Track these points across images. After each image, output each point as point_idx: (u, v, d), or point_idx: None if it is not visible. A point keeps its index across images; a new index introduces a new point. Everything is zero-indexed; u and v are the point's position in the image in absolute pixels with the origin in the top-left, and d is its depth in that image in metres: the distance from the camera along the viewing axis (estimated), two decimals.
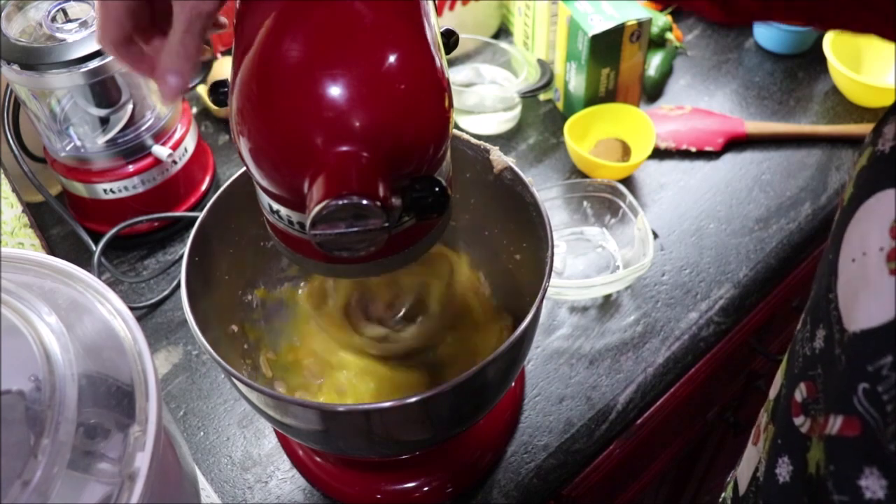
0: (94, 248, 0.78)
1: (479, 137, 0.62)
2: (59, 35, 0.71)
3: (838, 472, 0.35)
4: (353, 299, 0.64)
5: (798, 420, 0.41)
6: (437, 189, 0.39)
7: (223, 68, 0.91)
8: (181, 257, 0.56)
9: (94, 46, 0.70)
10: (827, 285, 0.40)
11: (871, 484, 0.34)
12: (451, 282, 0.66)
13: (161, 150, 0.79)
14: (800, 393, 0.41)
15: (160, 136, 0.80)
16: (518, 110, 0.95)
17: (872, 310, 0.35)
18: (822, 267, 0.42)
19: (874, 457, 0.34)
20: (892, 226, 0.35)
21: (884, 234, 0.35)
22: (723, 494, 0.54)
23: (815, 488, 0.38)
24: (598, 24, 0.85)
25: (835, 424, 0.36)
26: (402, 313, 0.64)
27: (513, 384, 0.70)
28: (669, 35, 0.99)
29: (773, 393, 0.46)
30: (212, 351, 0.49)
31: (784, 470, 0.42)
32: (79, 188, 0.80)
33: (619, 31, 0.85)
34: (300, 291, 0.67)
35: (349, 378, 0.63)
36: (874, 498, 0.33)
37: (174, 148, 0.80)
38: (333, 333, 0.64)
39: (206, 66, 0.87)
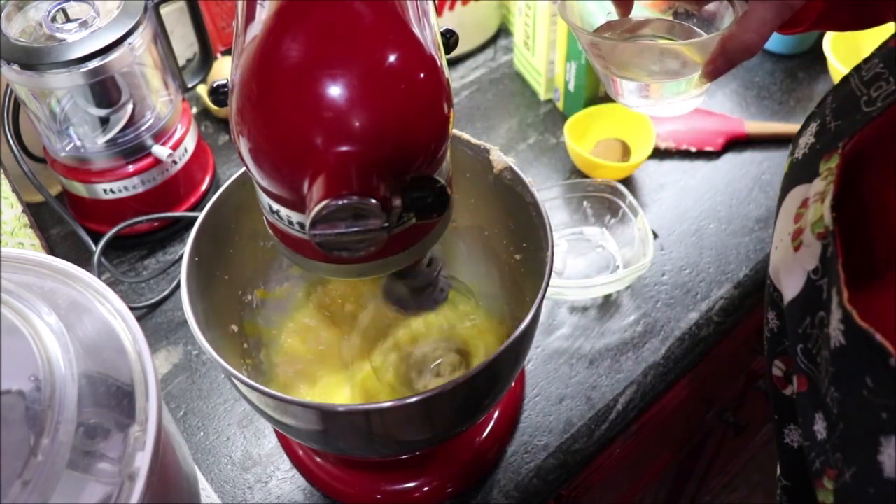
0: (94, 248, 0.78)
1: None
2: (59, 35, 0.71)
3: (804, 422, 0.41)
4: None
5: (788, 391, 0.48)
6: (437, 189, 0.39)
7: (223, 68, 0.91)
8: (181, 257, 0.56)
9: (94, 46, 0.70)
10: (768, 274, 0.47)
11: (819, 427, 0.40)
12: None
13: (161, 150, 0.79)
14: (778, 369, 0.48)
15: (160, 136, 0.80)
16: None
17: (790, 283, 0.43)
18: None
19: (818, 404, 0.40)
20: (796, 213, 0.43)
21: (791, 220, 0.43)
22: None
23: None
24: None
25: (795, 383, 0.43)
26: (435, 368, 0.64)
27: (513, 384, 0.70)
28: None
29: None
30: (212, 351, 0.49)
31: (794, 436, 0.48)
32: (79, 188, 0.80)
33: None
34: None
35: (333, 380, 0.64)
36: (822, 439, 0.39)
37: (174, 148, 0.80)
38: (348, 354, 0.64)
39: (206, 66, 0.87)
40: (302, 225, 0.42)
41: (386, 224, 0.36)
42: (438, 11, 0.99)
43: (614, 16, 0.57)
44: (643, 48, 0.56)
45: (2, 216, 0.73)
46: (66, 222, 0.82)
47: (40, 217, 0.85)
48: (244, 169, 0.53)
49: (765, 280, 0.80)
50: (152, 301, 0.79)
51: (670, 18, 0.59)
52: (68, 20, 0.73)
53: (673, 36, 0.58)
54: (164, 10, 0.83)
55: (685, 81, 0.54)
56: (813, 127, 0.47)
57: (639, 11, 0.79)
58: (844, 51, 0.95)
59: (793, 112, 0.96)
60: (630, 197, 0.80)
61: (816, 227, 0.41)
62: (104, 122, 0.77)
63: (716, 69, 0.51)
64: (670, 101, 0.57)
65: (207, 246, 0.56)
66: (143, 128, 0.79)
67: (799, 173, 0.45)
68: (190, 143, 0.83)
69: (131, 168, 0.79)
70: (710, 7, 0.54)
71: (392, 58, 0.38)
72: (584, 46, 0.57)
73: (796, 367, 0.42)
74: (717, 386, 1.02)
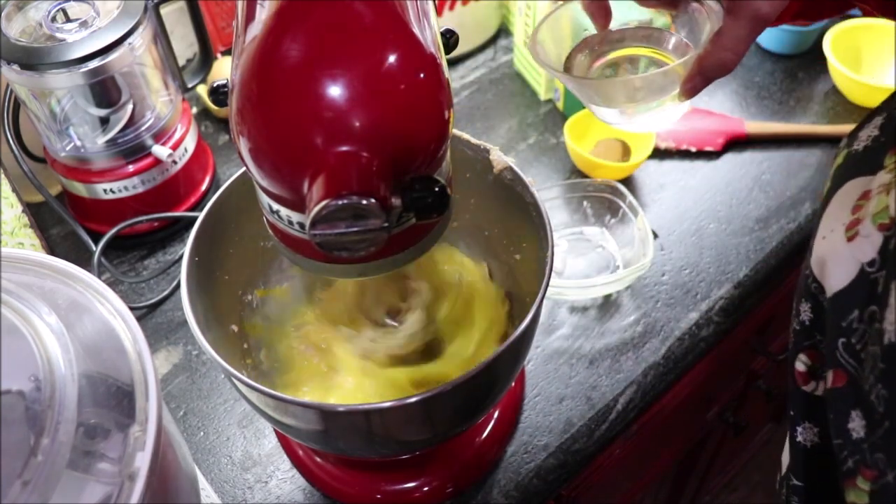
0: (94, 248, 0.78)
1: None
2: (59, 35, 0.71)
3: (835, 419, 0.40)
4: (361, 299, 0.64)
5: (809, 387, 0.46)
6: (437, 189, 0.39)
7: (223, 68, 0.91)
8: (181, 257, 0.56)
9: (94, 46, 0.70)
10: (806, 264, 0.46)
11: (856, 426, 0.38)
12: (460, 288, 0.65)
13: (161, 150, 0.79)
14: (801, 363, 0.47)
15: (160, 136, 0.80)
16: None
17: (839, 274, 0.42)
18: (806, 253, 0.49)
19: (857, 401, 0.39)
20: (854, 204, 0.42)
21: (846, 211, 0.42)
22: None
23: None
24: None
25: (829, 378, 0.42)
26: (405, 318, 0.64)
27: (513, 384, 0.70)
28: None
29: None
30: (212, 351, 0.49)
31: (808, 434, 0.47)
32: (79, 188, 0.80)
33: None
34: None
35: (345, 378, 0.63)
36: (858, 437, 0.38)
37: (174, 148, 0.80)
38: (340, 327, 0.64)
39: (206, 66, 0.87)
40: (302, 225, 0.42)
41: (386, 224, 0.36)
42: (438, 11, 0.99)
43: (592, 30, 0.58)
44: (620, 84, 0.57)
45: (2, 216, 0.73)
46: (66, 222, 0.82)
47: (40, 217, 0.85)
48: (244, 169, 0.53)
49: (765, 279, 0.81)
50: (152, 301, 0.79)
51: (647, 26, 0.61)
52: (68, 20, 0.73)
53: (650, 44, 0.59)
54: (164, 10, 0.83)
55: (665, 99, 0.55)
56: (878, 120, 0.46)
57: (638, 12, 0.77)
58: (844, 51, 0.95)
59: (793, 112, 0.96)
60: (630, 197, 0.80)
61: (879, 217, 0.40)
62: (104, 122, 0.77)
63: (693, 87, 0.53)
64: (648, 118, 0.58)
65: (207, 246, 0.56)
66: (143, 128, 0.79)
67: (858, 165, 0.44)
68: (190, 143, 0.83)
69: (131, 168, 0.79)
70: (687, 10, 0.56)
71: (392, 58, 0.38)
72: (565, 85, 0.58)
73: (833, 361, 0.41)
74: (717, 386, 1.02)
